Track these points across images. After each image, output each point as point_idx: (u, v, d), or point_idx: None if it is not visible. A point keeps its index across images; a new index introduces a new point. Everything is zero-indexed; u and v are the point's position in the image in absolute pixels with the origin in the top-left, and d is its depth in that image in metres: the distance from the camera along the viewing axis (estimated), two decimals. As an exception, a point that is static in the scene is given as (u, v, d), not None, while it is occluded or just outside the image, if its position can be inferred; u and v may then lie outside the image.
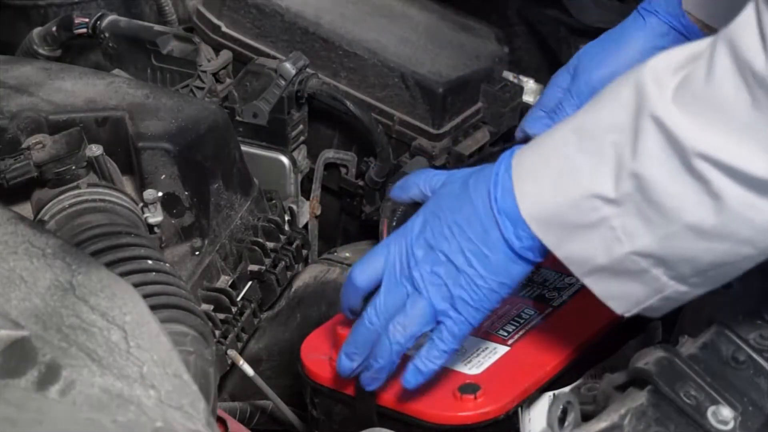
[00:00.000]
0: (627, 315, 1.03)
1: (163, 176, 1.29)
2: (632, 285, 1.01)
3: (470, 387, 1.14)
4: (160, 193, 1.28)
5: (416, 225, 1.10)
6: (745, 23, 0.90)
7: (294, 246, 1.44)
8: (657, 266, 0.98)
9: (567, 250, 1.02)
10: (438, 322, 1.09)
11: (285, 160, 1.56)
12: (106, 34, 1.62)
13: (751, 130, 0.90)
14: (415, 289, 1.08)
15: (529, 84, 1.65)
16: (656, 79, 0.95)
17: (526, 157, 1.04)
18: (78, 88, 1.37)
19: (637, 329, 1.26)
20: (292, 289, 1.47)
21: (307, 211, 1.61)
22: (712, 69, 0.92)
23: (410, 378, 1.11)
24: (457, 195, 1.08)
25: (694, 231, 0.94)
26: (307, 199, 1.62)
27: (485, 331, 1.22)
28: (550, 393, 1.17)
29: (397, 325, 1.09)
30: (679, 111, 0.93)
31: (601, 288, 1.02)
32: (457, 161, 1.59)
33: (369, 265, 1.12)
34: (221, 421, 1.22)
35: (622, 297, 1.02)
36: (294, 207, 1.53)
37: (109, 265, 1.08)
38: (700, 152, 0.91)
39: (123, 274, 1.04)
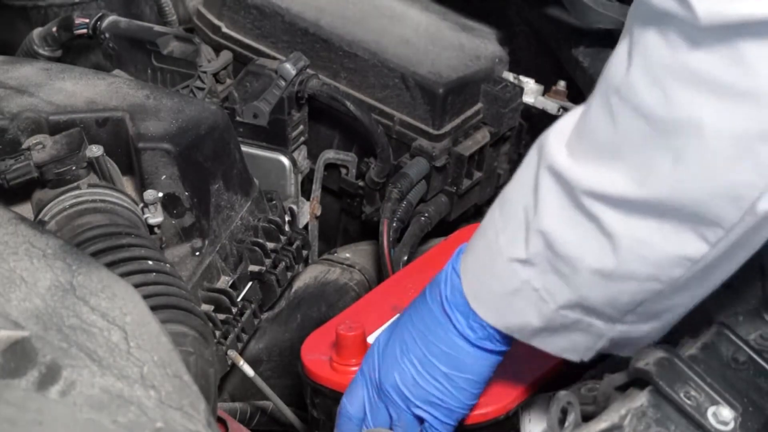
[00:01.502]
0: (587, 360, 1.06)
1: (164, 177, 1.29)
2: (574, 336, 1.04)
3: (470, 387, 1.14)
4: (161, 194, 1.28)
5: (381, 341, 1.14)
6: (616, 53, 0.93)
7: (294, 246, 1.44)
8: (586, 315, 1.01)
9: (506, 321, 1.05)
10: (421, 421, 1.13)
11: (285, 160, 1.56)
12: (107, 35, 1.62)
13: (614, 151, 0.92)
14: (393, 404, 1.12)
15: (530, 84, 1.65)
16: (557, 132, 0.98)
17: (469, 247, 1.08)
18: (78, 89, 1.37)
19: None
20: (293, 290, 1.47)
21: (307, 212, 1.61)
22: (588, 102, 0.95)
23: None
24: (418, 304, 1.12)
25: (600, 275, 0.97)
26: (308, 199, 1.62)
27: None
28: (550, 393, 1.17)
29: None
30: (567, 153, 0.96)
31: (549, 346, 1.06)
32: (457, 162, 1.59)
33: (353, 395, 1.16)
34: (221, 421, 1.22)
35: (571, 349, 1.05)
36: (294, 207, 1.53)
37: (110, 265, 1.08)
38: (584, 189, 0.94)
39: (123, 275, 1.04)
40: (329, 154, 1.61)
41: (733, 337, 1.03)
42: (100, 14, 1.63)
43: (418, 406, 1.11)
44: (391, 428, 1.13)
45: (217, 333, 1.29)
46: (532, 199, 0.99)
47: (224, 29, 1.65)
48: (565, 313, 1.01)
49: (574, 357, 1.06)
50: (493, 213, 1.05)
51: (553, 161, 0.97)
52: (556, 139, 0.98)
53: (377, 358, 1.14)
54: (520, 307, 1.03)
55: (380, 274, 1.52)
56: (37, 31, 1.66)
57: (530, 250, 1.00)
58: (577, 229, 0.96)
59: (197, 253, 1.31)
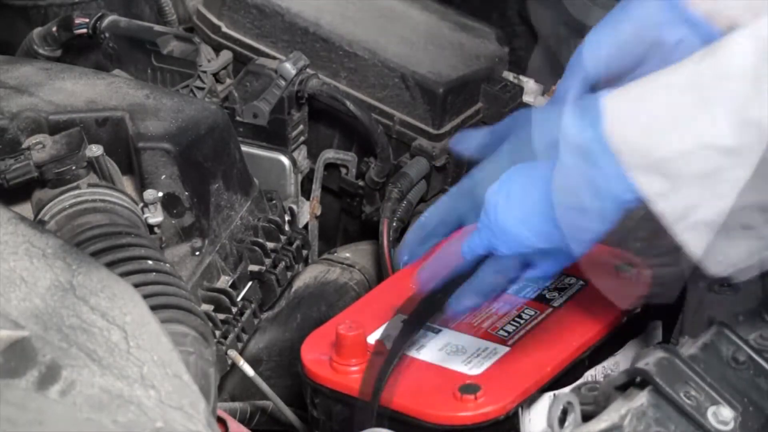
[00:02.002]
0: (720, 275, 0.97)
1: (163, 176, 1.29)
2: (737, 242, 0.95)
3: (471, 387, 1.14)
4: (160, 194, 1.28)
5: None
6: None
7: (294, 246, 1.44)
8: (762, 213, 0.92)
9: (671, 202, 0.95)
10: None
11: (285, 160, 1.56)
12: (106, 35, 1.62)
13: None
14: None
15: (530, 84, 1.65)
16: None
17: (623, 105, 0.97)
18: (78, 89, 1.37)
19: (637, 329, 1.27)
20: (292, 290, 1.47)
21: (307, 212, 1.61)
22: None
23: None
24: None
25: None
26: (308, 199, 1.62)
27: (485, 332, 1.22)
28: (550, 393, 1.17)
29: None
30: None
31: (701, 244, 0.95)
32: (457, 162, 1.59)
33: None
34: (221, 421, 1.22)
35: (722, 256, 0.96)
36: (294, 207, 1.53)
37: (110, 265, 1.08)
38: None
39: (123, 275, 1.04)
40: (329, 154, 1.61)
41: (733, 337, 1.03)
42: (100, 14, 1.63)
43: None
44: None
45: (217, 333, 1.29)
46: (751, 86, 0.89)
47: (224, 29, 1.65)
48: (750, 214, 0.92)
49: (714, 267, 0.96)
50: (671, 89, 0.94)
51: None
52: None
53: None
54: (698, 193, 0.93)
55: (380, 274, 1.52)
56: (37, 31, 1.66)
57: (740, 140, 0.90)
58: None
59: (197, 253, 1.31)
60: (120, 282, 0.93)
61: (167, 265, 1.16)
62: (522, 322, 1.24)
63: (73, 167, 1.23)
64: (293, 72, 1.53)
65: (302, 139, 1.59)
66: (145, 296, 0.98)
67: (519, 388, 1.16)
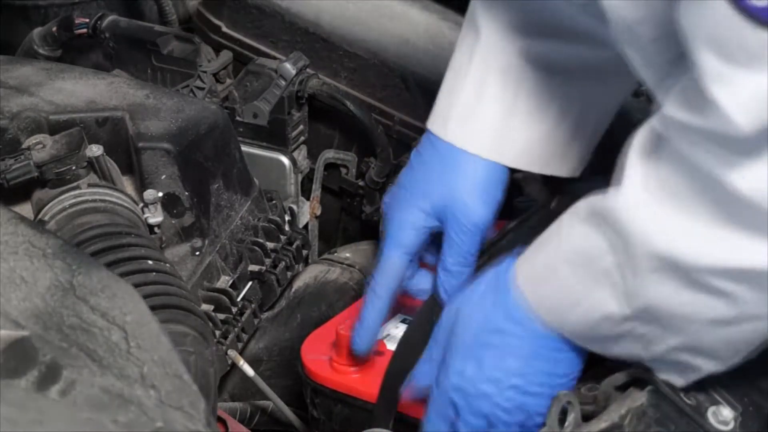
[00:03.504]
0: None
1: (164, 176, 1.29)
2: (681, 370, 0.99)
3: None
4: (161, 194, 1.28)
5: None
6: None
7: (294, 246, 1.44)
8: (695, 356, 0.96)
9: (614, 352, 1.01)
10: None
11: (285, 160, 1.56)
12: (107, 35, 1.62)
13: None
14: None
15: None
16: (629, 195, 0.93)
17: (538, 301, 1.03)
18: (78, 89, 1.37)
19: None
20: (293, 290, 1.47)
21: (307, 212, 1.61)
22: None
23: None
24: None
25: (717, 324, 0.91)
26: (308, 199, 1.62)
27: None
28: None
29: None
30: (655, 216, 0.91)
31: (659, 370, 1.01)
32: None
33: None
34: (221, 421, 1.22)
35: (679, 374, 1.00)
36: (294, 207, 1.53)
37: (110, 265, 1.08)
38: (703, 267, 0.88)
39: (123, 275, 1.04)
40: (329, 154, 1.61)
41: (734, 337, 1.03)
42: (100, 14, 1.63)
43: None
44: None
45: (217, 333, 1.29)
46: (625, 261, 0.93)
47: (224, 29, 1.65)
48: (676, 353, 0.97)
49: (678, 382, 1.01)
50: (560, 268, 1.00)
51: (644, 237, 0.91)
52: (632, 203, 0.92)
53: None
54: (626, 346, 0.99)
55: (380, 273, 1.51)
56: (37, 31, 1.66)
57: (632, 308, 0.95)
58: (688, 295, 0.91)
59: (197, 253, 1.31)
60: (120, 282, 0.93)
61: (167, 265, 1.16)
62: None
63: (73, 167, 1.23)
64: (293, 72, 1.53)
65: (302, 139, 1.59)
66: (145, 296, 0.98)
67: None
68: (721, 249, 0.87)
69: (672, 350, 0.96)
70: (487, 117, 1.15)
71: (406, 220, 1.17)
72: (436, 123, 1.19)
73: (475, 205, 1.15)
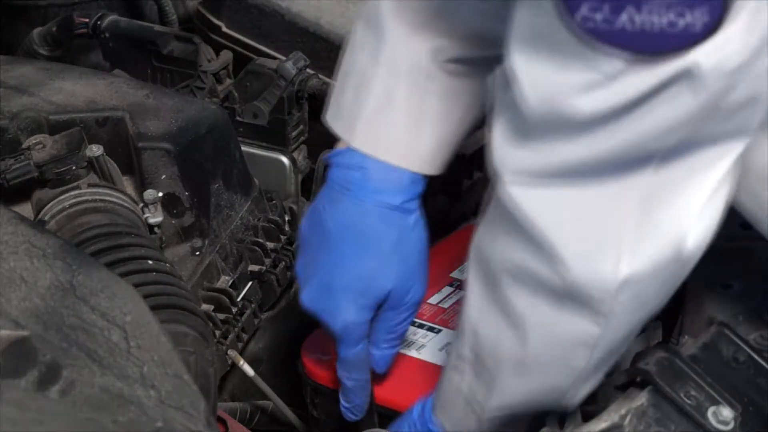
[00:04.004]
0: None
1: (164, 176, 1.29)
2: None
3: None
4: (161, 193, 1.28)
5: None
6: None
7: (294, 246, 1.44)
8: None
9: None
10: None
11: (285, 160, 1.56)
12: (107, 34, 1.62)
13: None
14: None
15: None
16: None
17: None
18: (78, 89, 1.37)
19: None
20: (293, 290, 1.47)
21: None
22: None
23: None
24: None
25: (515, 370, 0.98)
26: (308, 199, 1.62)
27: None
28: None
29: None
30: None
31: None
32: (457, 161, 1.58)
33: None
34: (221, 421, 1.22)
35: None
36: (294, 207, 1.53)
37: (110, 265, 1.08)
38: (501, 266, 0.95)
39: (123, 275, 1.04)
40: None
41: (733, 337, 1.03)
42: (99, 14, 1.63)
43: None
44: None
45: (217, 333, 1.29)
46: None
47: (224, 29, 1.64)
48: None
49: None
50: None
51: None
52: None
53: None
54: (462, 415, 1.04)
55: (380, 273, 1.51)
56: (37, 31, 1.66)
57: (463, 351, 1.02)
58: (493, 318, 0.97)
59: (197, 253, 1.31)
60: (120, 282, 0.93)
61: (167, 265, 1.16)
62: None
63: (73, 167, 1.23)
64: (293, 72, 1.53)
65: (302, 139, 1.59)
66: (145, 296, 0.98)
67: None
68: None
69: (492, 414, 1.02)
70: (398, 121, 1.12)
71: (346, 324, 1.13)
72: (339, 126, 1.15)
73: (402, 285, 1.13)
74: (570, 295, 0.91)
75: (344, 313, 1.12)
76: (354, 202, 1.11)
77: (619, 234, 0.88)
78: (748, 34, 0.79)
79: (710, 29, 0.78)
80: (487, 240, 0.97)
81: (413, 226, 1.12)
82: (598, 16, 0.79)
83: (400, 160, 1.12)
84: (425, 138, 1.13)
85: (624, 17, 0.78)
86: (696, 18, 0.78)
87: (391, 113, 1.12)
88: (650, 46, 0.79)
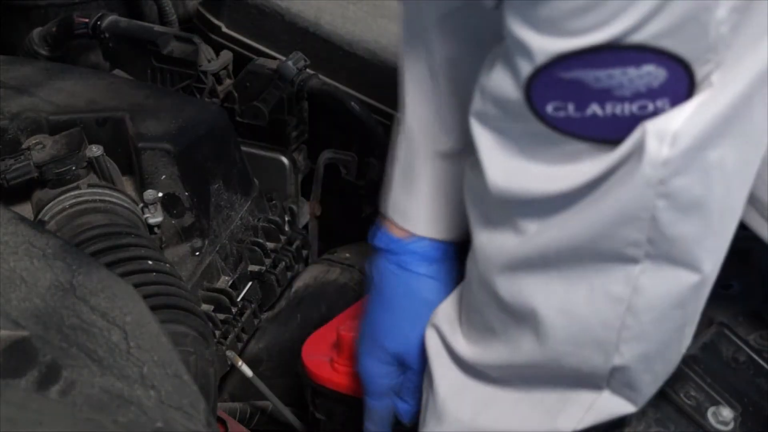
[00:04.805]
0: None
1: (164, 176, 1.29)
2: None
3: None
4: (160, 194, 1.28)
5: None
6: None
7: (294, 246, 1.44)
8: None
9: None
10: None
11: (285, 160, 1.56)
12: (106, 35, 1.62)
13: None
14: None
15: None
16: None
17: None
18: (78, 89, 1.37)
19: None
20: (292, 290, 1.47)
21: (307, 212, 1.61)
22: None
23: None
24: None
25: None
26: (307, 199, 1.62)
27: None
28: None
29: None
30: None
31: None
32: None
33: None
34: (221, 421, 1.22)
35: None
36: (294, 207, 1.53)
37: (110, 265, 1.08)
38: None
39: (123, 275, 1.04)
40: (329, 154, 1.61)
41: (733, 337, 1.03)
42: (99, 14, 1.63)
43: None
44: None
45: (217, 333, 1.29)
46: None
47: (224, 29, 1.65)
48: None
49: None
50: None
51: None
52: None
53: None
54: None
55: (380, 274, 1.51)
56: (37, 31, 1.66)
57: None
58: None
59: (197, 253, 1.31)
60: (120, 282, 0.93)
61: (167, 265, 1.16)
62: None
63: (73, 167, 1.23)
64: (293, 72, 1.53)
65: (302, 139, 1.59)
66: (145, 296, 0.98)
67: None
68: None
69: None
70: (420, 196, 1.13)
71: (374, 373, 1.15)
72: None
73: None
74: None
75: (364, 360, 1.14)
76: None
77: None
78: (698, 117, 0.80)
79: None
80: None
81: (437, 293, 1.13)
82: (564, 113, 0.82)
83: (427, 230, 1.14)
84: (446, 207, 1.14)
85: (592, 109, 0.81)
86: (659, 107, 0.80)
87: (413, 190, 1.14)
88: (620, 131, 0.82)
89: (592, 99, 0.80)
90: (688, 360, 1.01)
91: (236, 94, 1.55)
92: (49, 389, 0.80)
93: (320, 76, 1.57)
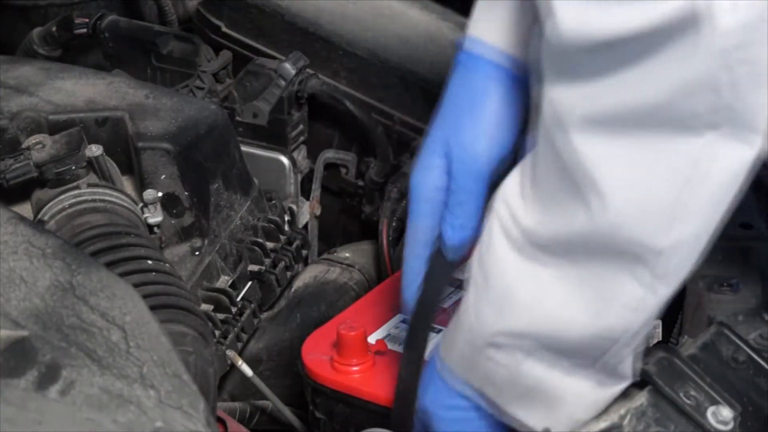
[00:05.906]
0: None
1: (163, 176, 1.29)
2: None
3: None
4: (160, 193, 1.28)
5: None
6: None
7: (294, 246, 1.44)
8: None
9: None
10: None
11: (285, 160, 1.56)
12: (106, 34, 1.62)
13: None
14: None
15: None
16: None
17: None
18: (78, 88, 1.37)
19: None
20: (292, 290, 1.47)
21: (307, 212, 1.61)
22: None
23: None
24: None
25: None
26: (307, 199, 1.62)
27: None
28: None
29: None
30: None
31: None
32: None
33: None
34: (221, 421, 1.22)
35: None
36: (294, 207, 1.53)
37: (109, 265, 1.08)
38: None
39: (123, 275, 1.04)
40: (329, 154, 1.61)
41: (733, 337, 1.03)
42: (99, 14, 1.63)
43: None
44: None
45: (217, 332, 1.29)
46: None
47: (224, 29, 1.65)
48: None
49: None
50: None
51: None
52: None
53: None
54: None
55: (380, 273, 1.52)
56: (37, 31, 1.66)
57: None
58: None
59: (197, 253, 1.31)
60: (120, 282, 0.93)
61: (167, 265, 1.16)
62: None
63: (73, 167, 1.23)
64: (293, 72, 1.53)
65: (302, 139, 1.59)
66: (145, 296, 0.98)
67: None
68: None
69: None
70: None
71: (418, 184, 1.10)
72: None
73: (477, 143, 1.08)
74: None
75: (414, 165, 1.10)
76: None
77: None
78: None
79: None
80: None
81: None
82: None
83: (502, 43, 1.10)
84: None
85: None
86: None
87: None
88: None
89: None
90: (687, 360, 1.01)
91: (236, 94, 1.55)
92: (48, 389, 0.80)
93: (320, 76, 1.57)
